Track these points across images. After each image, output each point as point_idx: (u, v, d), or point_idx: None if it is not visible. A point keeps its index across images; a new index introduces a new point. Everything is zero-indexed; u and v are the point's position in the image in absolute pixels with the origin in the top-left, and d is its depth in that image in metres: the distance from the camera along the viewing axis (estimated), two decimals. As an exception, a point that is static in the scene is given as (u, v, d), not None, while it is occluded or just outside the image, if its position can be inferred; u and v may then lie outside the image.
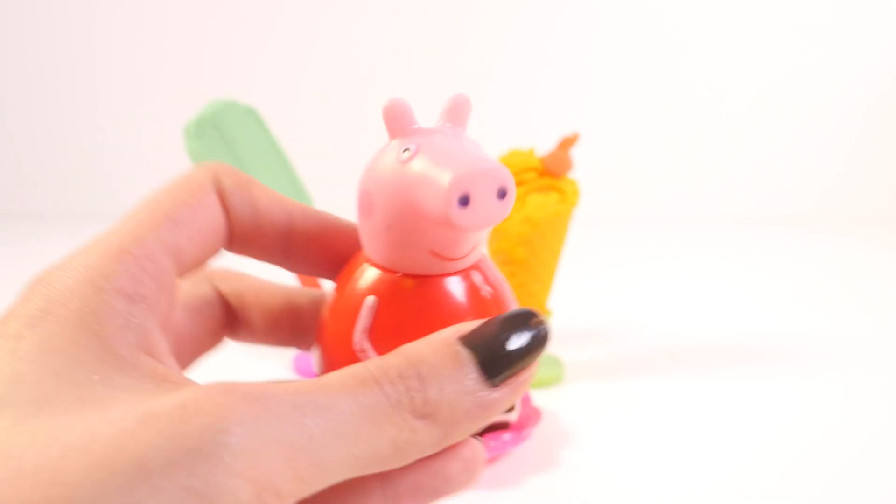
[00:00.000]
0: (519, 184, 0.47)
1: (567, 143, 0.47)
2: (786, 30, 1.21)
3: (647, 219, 1.19)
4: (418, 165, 0.14)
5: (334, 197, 0.48)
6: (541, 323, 0.14)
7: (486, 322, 0.14)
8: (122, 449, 0.10)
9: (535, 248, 0.47)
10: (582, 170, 0.50)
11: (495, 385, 0.13)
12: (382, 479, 0.15)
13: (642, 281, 0.80)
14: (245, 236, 0.17)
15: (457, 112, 0.16)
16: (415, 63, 1.25)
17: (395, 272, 0.16)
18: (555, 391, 0.47)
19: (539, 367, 0.49)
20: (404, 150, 0.15)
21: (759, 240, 1.04)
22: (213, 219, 0.16)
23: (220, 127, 0.47)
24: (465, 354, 0.13)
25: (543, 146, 0.49)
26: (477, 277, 0.16)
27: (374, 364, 0.13)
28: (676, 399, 0.47)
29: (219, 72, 1.27)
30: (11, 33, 1.31)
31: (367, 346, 0.16)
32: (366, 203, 0.16)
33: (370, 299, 0.16)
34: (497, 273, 0.17)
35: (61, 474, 0.10)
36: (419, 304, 0.16)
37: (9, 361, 0.12)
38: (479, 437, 0.16)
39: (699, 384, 0.49)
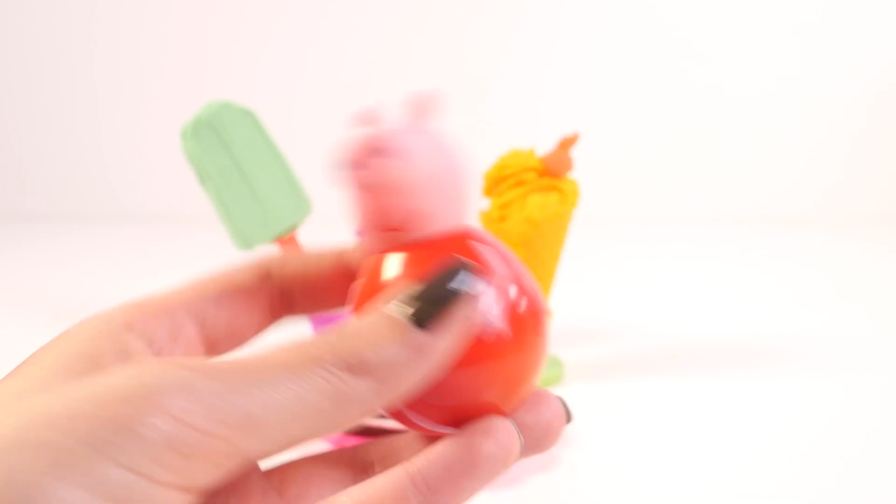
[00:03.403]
0: (519, 184, 0.47)
1: (567, 143, 0.47)
2: (786, 30, 1.21)
3: (647, 219, 1.19)
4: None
5: (331, 198, 0.48)
6: (460, 263, 0.14)
7: (414, 287, 0.14)
8: (53, 437, 0.11)
9: (535, 248, 0.47)
10: (582, 170, 0.50)
11: (421, 325, 0.13)
12: (407, 463, 0.15)
13: (642, 281, 0.80)
14: (314, 294, 0.18)
15: (422, 108, 0.18)
16: (414, 63, 1.25)
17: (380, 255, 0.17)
18: (555, 391, 0.47)
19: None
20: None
21: (759, 240, 1.04)
22: (251, 289, 0.17)
23: (217, 128, 0.47)
24: (392, 308, 0.14)
25: (543, 146, 0.49)
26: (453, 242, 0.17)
27: (313, 345, 0.13)
28: (676, 399, 0.47)
29: (216, 73, 1.27)
30: (11, 33, 1.31)
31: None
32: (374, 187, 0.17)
33: (359, 280, 0.17)
34: (490, 239, 0.18)
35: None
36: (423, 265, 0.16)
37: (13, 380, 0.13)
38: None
39: (699, 384, 0.49)
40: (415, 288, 0.14)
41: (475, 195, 0.18)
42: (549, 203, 0.46)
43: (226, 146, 0.47)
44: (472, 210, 0.18)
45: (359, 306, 0.17)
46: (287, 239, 0.54)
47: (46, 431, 0.11)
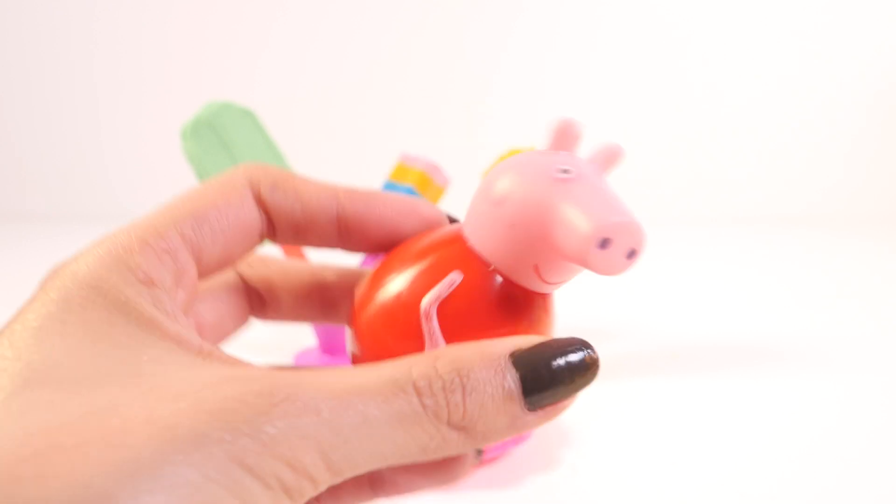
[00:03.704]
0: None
1: (567, 143, 0.47)
2: (786, 30, 1.21)
3: (647, 219, 1.18)
4: (572, 191, 0.15)
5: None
6: (592, 356, 0.14)
7: (540, 344, 0.14)
8: (178, 423, 0.11)
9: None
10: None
11: (532, 409, 0.13)
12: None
13: (642, 281, 0.80)
14: (297, 228, 0.17)
15: (606, 160, 0.17)
16: (415, 64, 1.25)
17: (488, 264, 0.16)
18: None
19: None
20: (563, 170, 0.15)
21: (759, 240, 1.04)
22: (245, 218, 0.16)
23: (217, 128, 0.47)
24: (512, 374, 0.13)
25: (543, 146, 0.49)
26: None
27: (417, 370, 0.13)
28: (676, 399, 0.47)
29: (216, 73, 1.27)
30: (11, 33, 1.30)
31: (433, 314, 0.15)
32: (501, 193, 0.15)
33: (455, 275, 0.16)
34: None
35: (125, 441, 0.11)
36: (497, 301, 0.16)
37: (59, 339, 0.13)
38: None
39: (699, 384, 0.49)
40: (542, 358, 0.14)
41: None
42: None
43: (226, 146, 0.47)
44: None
45: (357, 314, 0.17)
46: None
47: (148, 440, 0.11)
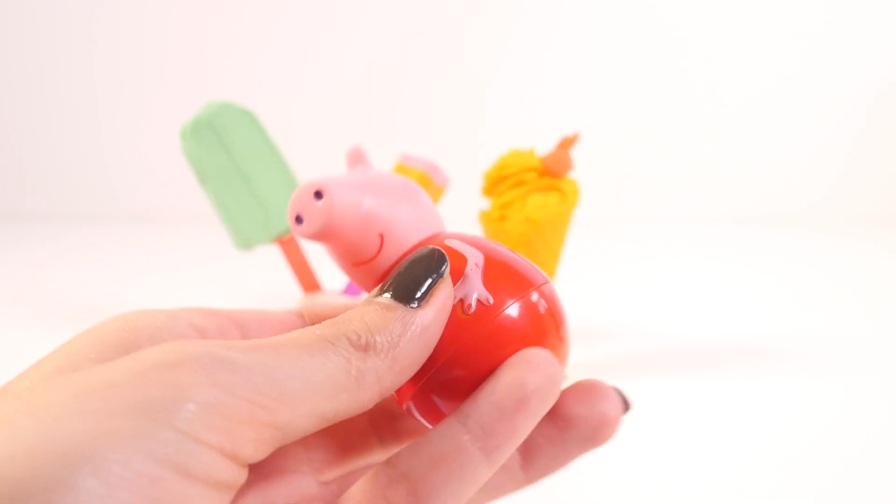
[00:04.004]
0: (519, 184, 0.47)
1: (567, 143, 0.47)
2: (786, 30, 1.21)
3: (647, 219, 1.19)
4: None
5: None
6: (431, 250, 0.16)
7: (396, 271, 0.16)
8: (109, 405, 0.11)
9: (535, 248, 0.47)
10: (582, 170, 0.50)
11: (409, 301, 0.15)
12: (457, 413, 0.15)
13: (642, 281, 0.80)
14: None
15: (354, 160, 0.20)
16: (414, 63, 1.25)
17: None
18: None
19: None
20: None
21: (759, 240, 1.04)
22: (287, 324, 0.19)
23: (217, 129, 0.47)
24: (381, 296, 0.15)
25: (543, 146, 0.49)
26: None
27: (322, 330, 0.15)
28: (677, 399, 0.47)
29: (216, 73, 1.27)
30: (11, 33, 1.30)
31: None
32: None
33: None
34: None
35: (56, 429, 0.11)
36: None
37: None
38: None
39: (700, 384, 0.49)
40: (395, 273, 0.16)
41: (432, 206, 0.19)
42: (549, 203, 0.46)
43: (225, 146, 0.47)
44: (439, 221, 0.19)
45: None
46: (286, 239, 0.54)
47: (92, 401, 0.11)
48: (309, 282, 0.57)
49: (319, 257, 0.57)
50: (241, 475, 0.12)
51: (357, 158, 0.19)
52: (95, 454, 0.10)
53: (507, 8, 1.24)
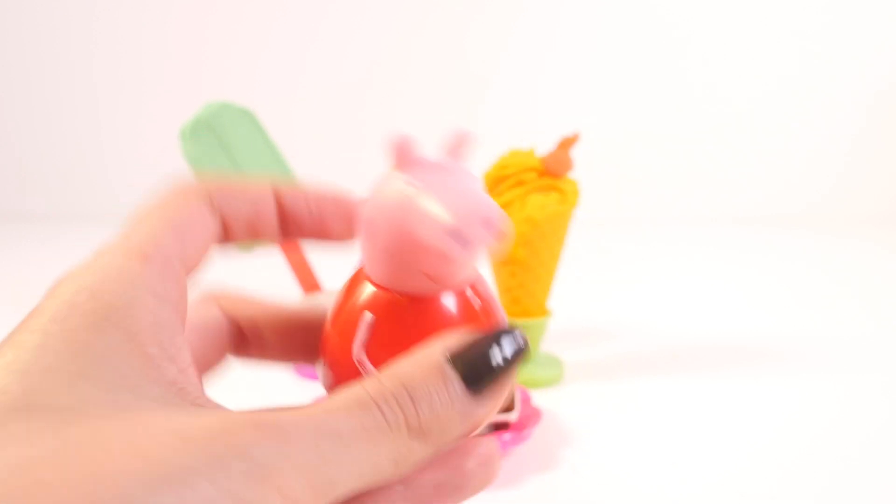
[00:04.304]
0: (519, 184, 0.47)
1: (567, 143, 0.47)
2: (786, 30, 1.21)
3: (647, 219, 1.19)
4: (422, 201, 0.16)
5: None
6: (520, 336, 0.15)
7: (471, 339, 0.15)
8: (165, 457, 0.11)
9: (535, 248, 0.47)
10: (582, 170, 0.50)
11: (478, 396, 0.15)
12: (404, 481, 0.15)
13: (642, 281, 0.80)
14: (250, 227, 0.18)
15: (457, 147, 0.17)
16: (414, 64, 1.25)
17: (390, 291, 0.17)
18: (555, 391, 0.47)
19: (539, 367, 0.49)
20: (409, 185, 0.16)
21: (759, 240, 1.04)
22: (208, 225, 0.17)
23: (216, 129, 0.47)
24: (450, 372, 0.14)
25: (543, 146, 0.49)
26: (468, 292, 0.17)
27: (371, 386, 0.14)
28: (676, 399, 0.47)
29: (216, 73, 1.27)
30: (11, 33, 1.31)
31: (364, 358, 0.17)
32: (369, 227, 0.17)
33: (367, 315, 0.17)
34: (488, 288, 0.18)
35: (112, 478, 0.11)
36: (413, 320, 0.17)
37: (38, 356, 0.13)
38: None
39: (699, 384, 0.49)
40: (473, 348, 0.15)
41: None
42: (549, 203, 0.46)
43: (224, 147, 0.47)
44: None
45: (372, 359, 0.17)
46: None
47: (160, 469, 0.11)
48: (309, 282, 0.57)
49: (319, 258, 0.57)
50: None
51: (410, 156, 0.17)
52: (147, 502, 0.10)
53: (507, 8, 1.24)
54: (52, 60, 1.31)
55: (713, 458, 0.39)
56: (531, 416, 0.40)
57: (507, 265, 0.48)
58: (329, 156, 1.16)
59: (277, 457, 0.12)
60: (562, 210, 0.47)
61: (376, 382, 0.14)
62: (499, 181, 0.48)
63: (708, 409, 0.45)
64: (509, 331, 0.15)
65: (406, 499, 0.15)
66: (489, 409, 0.15)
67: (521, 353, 0.15)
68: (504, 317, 0.18)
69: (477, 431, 0.15)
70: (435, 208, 0.15)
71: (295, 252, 0.55)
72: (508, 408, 0.39)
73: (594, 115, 1.23)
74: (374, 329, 0.17)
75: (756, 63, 1.23)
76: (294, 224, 0.19)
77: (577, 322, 0.62)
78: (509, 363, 0.15)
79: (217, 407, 0.14)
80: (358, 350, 0.17)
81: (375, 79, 1.25)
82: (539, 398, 0.45)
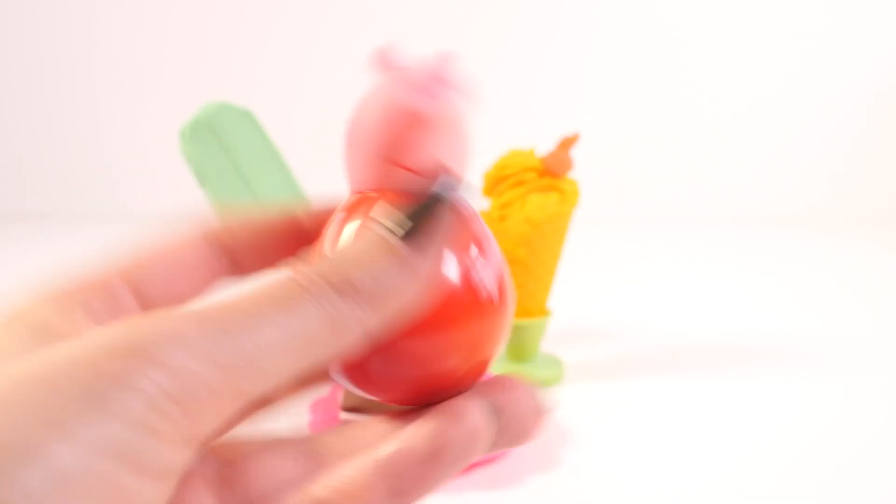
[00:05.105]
0: (519, 184, 0.47)
1: (567, 143, 0.47)
2: (786, 30, 1.21)
3: (646, 219, 1.19)
4: (383, 78, 0.16)
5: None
6: (440, 181, 0.14)
7: (395, 207, 0.14)
8: (40, 396, 0.10)
9: (535, 248, 0.47)
10: (582, 170, 0.50)
11: (411, 244, 0.13)
12: (374, 452, 0.14)
13: (642, 281, 0.80)
14: (261, 254, 0.18)
15: (440, 72, 0.17)
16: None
17: (364, 192, 0.16)
18: (555, 391, 0.47)
19: (539, 367, 0.49)
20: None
21: (759, 240, 1.04)
22: (191, 257, 0.17)
23: (216, 129, 0.47)
24: (375, 227, 0.14)
25: (543, 146, 0.49)
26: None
27: (300, 273, 0.13)
28: (676, 399, 0.47)
29: (216, 73, 1.27)
30: (11, 33, 1.30)
31: None
32: (348, 134, 0.17)
33: (339, 215, 0.16)
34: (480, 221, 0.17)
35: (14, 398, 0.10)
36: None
37: None
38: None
39: (699, 384, 0.49)
40: (395, 207, 0.14)
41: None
42: (549, 203, 0.46)
43: (224, 148, 0.47)
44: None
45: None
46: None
47: (34, 390, 0.10)
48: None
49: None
50: (197, 453, 0.12)
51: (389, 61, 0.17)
52: (37, 449, 0.10)
53: (507, 8, 1.24)
54: (52, 60, 1.31)
55: (713, 457, 0.39)
56: (531, 417, 0.40)
57: (508, 265, 0.48)
58: (329, 156, 1.16)
59: (154, 334, 0.11)
60: (562, 210, 0.47)
61: (307, 266, 0.13)
62: (499, 181, 0.48)
63: (708, 409, 0.45)
64: (431, 184, 0.14)
65: (383, 477, 0.14)
66: (427, 255, 0.14)
67: (446, 194, 0.14)
68: (489, 235, 0.17)
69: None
70: (398, 78, 0.15)
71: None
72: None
73: (594, 115, 1.23)
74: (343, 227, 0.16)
75: (756, 63, 1.23)
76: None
77: (577, 322, 0.62)
78: (437, 202, 0.14)
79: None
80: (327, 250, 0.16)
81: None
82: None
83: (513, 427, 0.16)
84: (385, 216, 0.14)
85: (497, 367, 0.49)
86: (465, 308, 0.15)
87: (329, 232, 0.16)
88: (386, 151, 0.16)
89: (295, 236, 0.18)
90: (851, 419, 0.44)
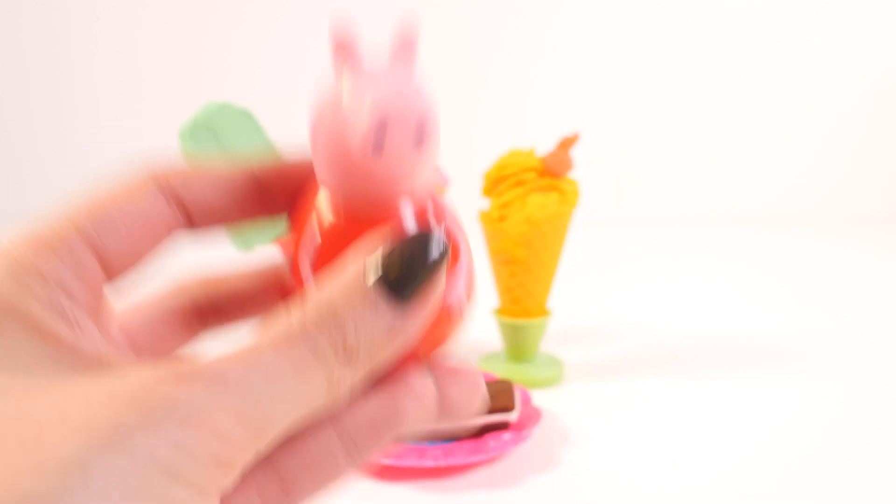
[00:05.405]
0: (519, 184, 0.47)
1: (567, 143, 0.47)
2: (787, 31, 1.21)
3: (646, 219, 1.19)
4: (341, 98, 0.14)
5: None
6: (440, 237, 0.14)
7: (389, 244, 0.14)
8: (93, 418, 0.11)
9: (535, 248, 0.47)
10: (582, 170, 0.50)
11: (403, 308, 0.14)
12: (334, 420, 0.15)
13: (642, 281, 0.80)
14: (213, 209, 0.17)
15: (403, 47, 0.15)
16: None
17: (336, 205, 0.15)
18: (555, 391, 0.47)
19: (539, 367, 0.49)
20: (335, 82, 0.14)
21: (759, 240, 1.04)
22: (148, 210, 0.16)
23: (215, 129, 0.47)
24: (371, 290, 0.14)
25: (543, 146, 0.49)
26: (428, 206, 0.15)
27: (296, 318, 0.14)
28: (676, 399, 0.47)
29: (215, 73, 1.27)
30: (11, 33, 1.30)
31: (307, 269, 0.16)
32: (309, 130, 0.15)
33: (314, 227, 0.16)
34: (446, 206, 0.16)
35: (42, 441, 0.11)
36: (360, 238, 0.15)
37: None
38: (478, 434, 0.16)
39: (699, 384, 0.49)
40: (391, 254, 0.14)
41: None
42: (549, 203, 0.46)
43: (224, 147, 0.47)
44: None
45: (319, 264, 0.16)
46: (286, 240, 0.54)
47: (78, 421, 0.11)
48: (289, 249, 0.57)
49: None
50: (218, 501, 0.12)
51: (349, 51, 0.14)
52: (90, 463, 0.10)
53: (506, 7, 1.24)
54: (52, 60, 1.31)
55: (713, 457, 0.39)
56: (531, 416, 0.40)
57: (507, 265, 0.48)
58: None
59: (207, 400, 0.12)
60: (562, 210, 0.46)
61: (300, 313, 0.14)
62: (499, 181, 0.48)
63: (708, 409, 0.45)
64: (428, 233, 0.14)
65: (343, 439, 0.15)
66: (416, 321, 0.14)
67: (442, 256, 0.14)
68: (465, 238, 0.16)
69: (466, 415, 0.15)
70: (351, 107, 0.13)
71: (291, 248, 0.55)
72: (508, 408, 0.39)
73: (594, 115, 1.23)
74: (319, 249, 0.16)
75: (756, 63, 1.23)
76: (275, 203, 0.18)
77: (577, 322, 0.62)
78: (431, 268, 0.14)
79: (139, 362, 0.14)
80: (302, 260, 0.16)
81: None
82: (539, 398, 0.45)
83: (452, 398, 0.17)
84: (378, 265, 0.14)
85: (497, 366, 0.49)
86: (437, 324, 0.15)
87: (310, 251, 0.16)
88: (351, 179, 0.14)
89: (252, 193, 0.17)
90: (851, 419, 0.43)
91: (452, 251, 0.16)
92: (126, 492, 0.10)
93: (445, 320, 0.16)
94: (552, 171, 0.46)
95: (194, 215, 0.17)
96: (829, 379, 0.49)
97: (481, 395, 0.17)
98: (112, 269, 0.16)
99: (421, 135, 0.13)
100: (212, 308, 0.20)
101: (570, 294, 0.60)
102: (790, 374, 0.51)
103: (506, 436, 0.38)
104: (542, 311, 0.50)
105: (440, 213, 0.16)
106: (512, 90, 1.25)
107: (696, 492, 0.35)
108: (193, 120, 0.46)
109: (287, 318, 0.14)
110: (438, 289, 0.14)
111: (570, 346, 0.54)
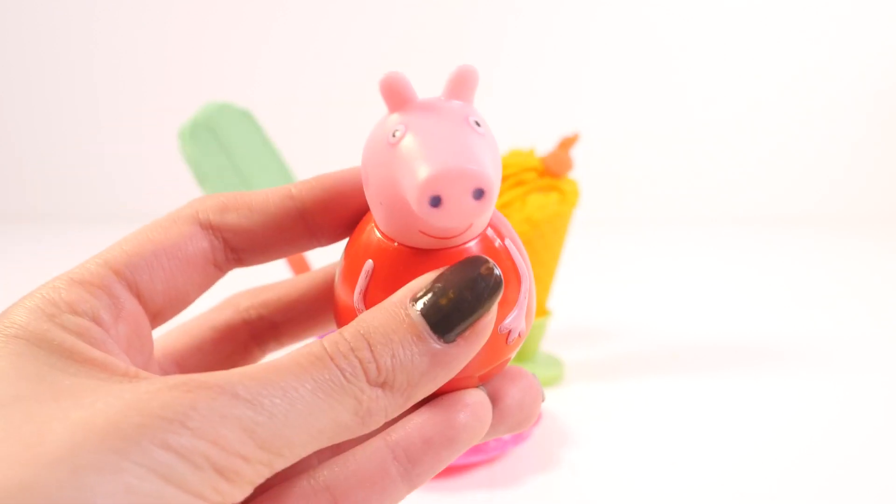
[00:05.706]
0: (519, 184, 0.47)
1: (567, 143, 0.47)
2: (786, 30, 1.21)
3: (646, 219, 1.19)
4: (404, 151, 0.14)
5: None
6: (490, 271, 0.14)
7: (436, 278, 0.14)
8: (94, 419, 0.11)
9: (535, 248, 0.47)
10: (582, 170, 0.50)
11: (449, 341, 0.14)
12: (384, 434, 0.15)
13: (642, 281, 0.80)
14: (259, 242, 0.17)
15: (460, 85, 0.16)
16: (414, 63, 1.25)
17: (392, 240, 0.15)
18: (555, 391, 0.47)
19: (539, 367, 0.49)
20: (394, 132, 0.15)
21: (759, 240, 1.04)
22: (187, 249, 0.16)
23: (215, 130, 0.47)
24: (416, 316, 0.14)
25: (543, 146, 0.49)
26: (490, 239, 0.16)
27: (329, 340, 0.13)
28: (676, 399, 0.47)
29: (215, 74, 1.27)
30: (11, 33, 1.31)
31: (362, 308, 0.16)
32: (364, 175, 0.16)
33: (368, 264, 0.16)
34: (511, 236, 0.16)
35: (41, 438, 0.11)
36: (418, 270, 0.15)
37: None
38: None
39: (699, 384, 0.49)
40: (439, 289, 0.14)
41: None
42: (549, 203, 0.46)
43: (224, 148, 0.47)
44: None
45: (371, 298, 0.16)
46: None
47: (96, 442, 0.11)
48: (299, 266, 0.57)
49: (319, 257, 0.57)
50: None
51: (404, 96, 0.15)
52: (82, 458, 0.11)
53: (506, 7, 1.24)
54: (52, 61, 1.31)
55: (713, 457, 0.39)
56: (531, 417, 0.40)
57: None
58: (329, 156, 1.16)
59: (210, 409, 0.12)
60: (562, 210, 0.46)
61: (337, 335, 0.14)
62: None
63: (708, 409, 0.45)
64: (476, 266, 0.14)
65: (395, 455, 0.15)
66: (464, 352, 0.14)
67: (492, 289, 0.14)
68: (528, 268, 0.16)
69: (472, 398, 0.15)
70: (412, 163, 0.14)
71: (299, 265, 0.55)
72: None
73: (594, 115, 1.23)
74: (374, 278, 0.16)
75: (756, 63, 1.23)
76: (321, 233, 0.18)
77: (577, 322, 0.62)
78: (480, 301, 0.14)
79: (149, 376, 0.14)
80: (357, 299, 0.16)
81: (375, 79, 1.25)
82: (539, 398, 0.45)
83: (510, 413, 0.16)
84: (427, 300, 0.14)
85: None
86: (491, 349, 0.15)
87: (362, 287, 0.16)
88: (414, 224, 0.15)
89: (297, 224, 0.17)
90: (851, 419, 0.43)
91: (516, 280, 0.16)
92: (117, 488, 0.11)
93: (500, 346, 0.16)
94: (552, 171, 0.47)
95: (240, 251, 0.17)
96: (829, 379, 0.49)
97: (540, 398, 0.17)
98: (156, 305, 0.16)
99: (480, 191, 0.13)
100: (266, 325, 0.19)
101: (570, 294, 0.61)
102: (790, 374, 0.51)
103: (506, 436, 0.38)
104: (542, 311, 0.50)
105: (502, 236, 0.16)
106: (512, 90, 1.25)
107: (697, 492, 0.35)
108: (193, 120, 0.46)
109: (320, 341, 0.14)
110: (489, 323, 0.14)
111: (570, 346, 0.55)
